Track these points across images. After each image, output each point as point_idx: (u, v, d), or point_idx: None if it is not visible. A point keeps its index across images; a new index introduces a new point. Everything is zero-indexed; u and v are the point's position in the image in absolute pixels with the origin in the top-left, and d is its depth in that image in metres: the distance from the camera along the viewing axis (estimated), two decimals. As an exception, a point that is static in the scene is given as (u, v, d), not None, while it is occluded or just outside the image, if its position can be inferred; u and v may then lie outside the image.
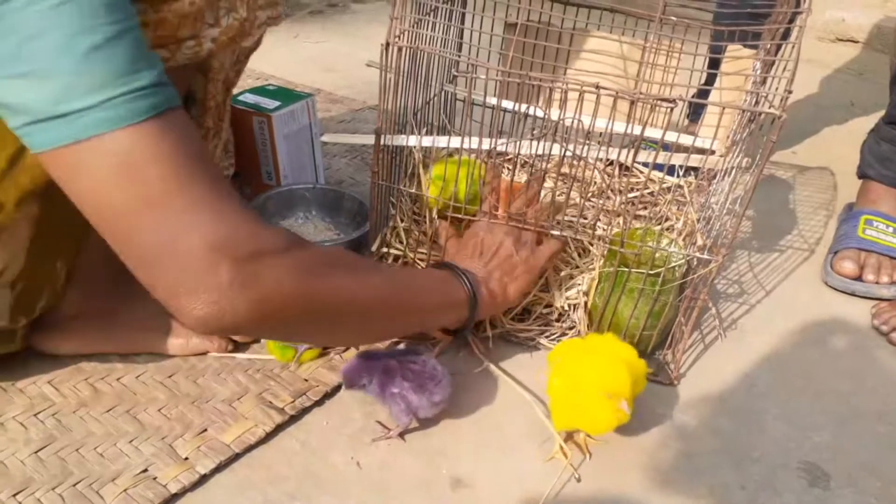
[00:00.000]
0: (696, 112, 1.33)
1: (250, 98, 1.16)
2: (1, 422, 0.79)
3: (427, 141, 1.00)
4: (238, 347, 0.91)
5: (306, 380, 0.87)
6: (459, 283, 0.81)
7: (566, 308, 0.96)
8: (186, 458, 0.76)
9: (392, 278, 0.77)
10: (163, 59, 0.62)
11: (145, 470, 0.74)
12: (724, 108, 0.79)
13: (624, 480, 0.78)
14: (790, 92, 0.75)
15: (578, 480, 0.77)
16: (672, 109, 0.80)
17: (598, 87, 0.76)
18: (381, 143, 0.89)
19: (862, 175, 1.28)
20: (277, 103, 1.15)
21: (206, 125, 0.89)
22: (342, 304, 0.67)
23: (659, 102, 0.77)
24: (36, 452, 0.76)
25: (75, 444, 0.77)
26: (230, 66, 0.87)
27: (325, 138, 1.12)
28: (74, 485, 0.72)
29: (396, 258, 0.99)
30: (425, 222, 0.99)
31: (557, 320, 0.97)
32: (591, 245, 0.99)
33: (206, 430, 0.79)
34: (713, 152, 0.98)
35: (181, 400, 0.83)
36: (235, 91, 1.22)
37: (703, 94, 1.17)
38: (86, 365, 0.87)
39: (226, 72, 0.86)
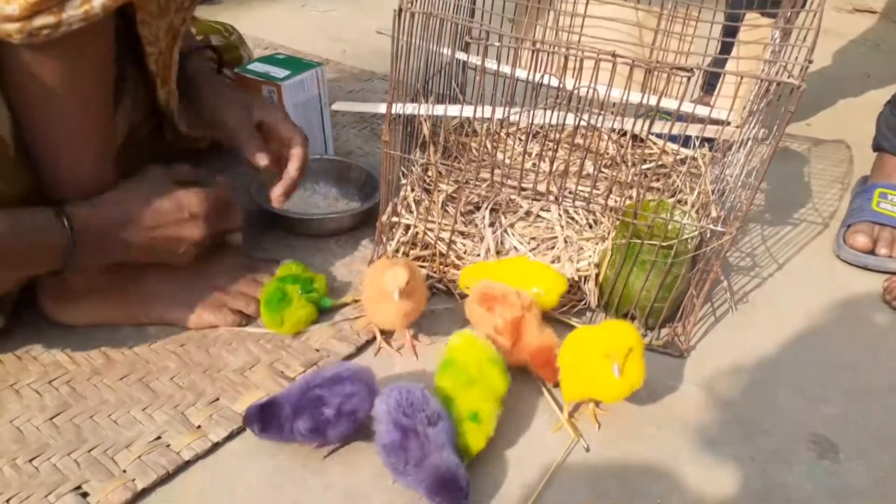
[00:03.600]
0: (710, 84, 1.31)
1: (259, 67, 1.15)
2: (16, 389, 0.80)
3: (439, 110, 0.99)
4: (249, 322, 0.91)
5: (317, 350, 0.87)
6: (57, 225, 0.75)
7: (577, 280, 0.95)
8: (199, 426, 0.76)
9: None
10: (50, 25, 0.63)
11: (158, 437, 0.75)
12: (741, 78, 0.77)
13: (632, 450, 0.78)
14: (811, 62, 0.73)
15: (587, 450, 0.78)
16: (689, 79, 0.79)
17: (614, 55, 0.74)
18: (393, 111, 0.88)
19: (877, 147, 1.26)
20: (287, 72, 1.13)
21: (151, 69, 0.85)
22: None
23: (676, 71, 0.76)
24: (51, 419, 0.76)
25: (89, 412, 0.78)
26: (174, 11, 0.82)
27: (335, 106, 1.10)
28: (89, 451, 0.73)
29: (407, 228, 0.98)
30: (436, 192, 0.98)
31: (567, 292, 0.96)
32: (604, 217, 0.99)
33: (218, 398, 0.80)
34: (729, 123, 0.97)
35: (193, 369, 0.84)
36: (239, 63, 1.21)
37: (719, 63, 1.15)
38: (98, 333, 0.87)
39: (168, 17, 0.82)
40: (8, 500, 0.68)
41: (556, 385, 0.82)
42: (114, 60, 0.77)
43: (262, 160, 0.90)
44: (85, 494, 0.69)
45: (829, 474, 0.77)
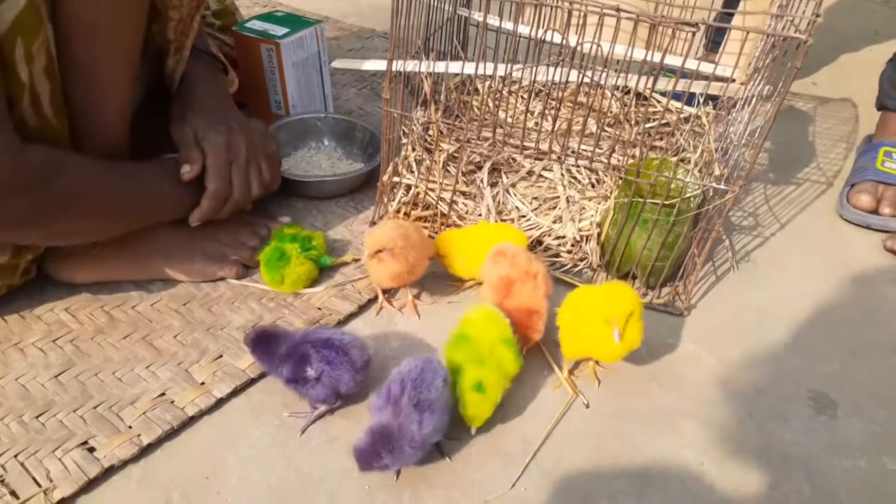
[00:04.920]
0: (715, 42, 1.29)
1: (258, 25, 1.13)
2: (20, 347, 0.80)
3: (440, 67, 0.98)
4: (248, 272, 0.92)
5: (319, 308, 0.88)
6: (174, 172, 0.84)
7: (578, 239, 0.95)
8: (203, 383, 0.77)
9: (116, 177, 0.80)
10: None
11: (163, 394, 0.76)
12: (747, 33, 0.76)
13: (632, 407, 0.79)
14: (818, 16, 0.72)
15: (587, 406, 0.79)
16: (694, 34, 0.77)
17: (618, 10, 0.73)
18: (393, 69, 0.87)
19: (881, 106, 1.24)
20: (286, 30, 1.12)
21: (168, 37, 0.86)
22: (74, 216, 0.76)
23: (680, 26, 0.75)
24: (56, 377, 0.77)
25: (94, 369, 0.78)
26: None
27: (335, 64, 1.09)
28: (95, 407, 0.74)
29: (408, 188, 0.98)
30: (437, 151, 0.97)
31: (569, 252, 0.96)
32: (606, 176, 0.98)
33: (221, 356, 0.81)
34: (733, 80, 0.96)
35: (196, 327, 0.84)
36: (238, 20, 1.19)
37: (723, 18, 1.13)
38: (101, 292, 0.88)
39: None
40: (16, 455, 0.69)
41: (525, 347, 0.81)
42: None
43: (185, 172, 0.85)
44: (92, 449, 0.70)
45: (826, 430, 0.78)
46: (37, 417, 0.73)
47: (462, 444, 0.73)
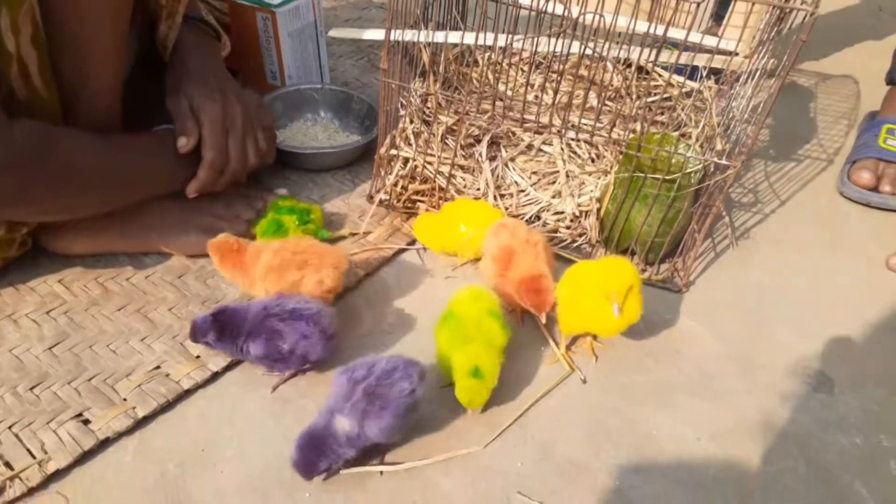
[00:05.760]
0: (720, 14, 1.27)
1: (253, -8, 1.11)
2: (14, 319, 0.80)
3: (439, 37, 0.96)
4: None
5: (316, 282, 0.87)
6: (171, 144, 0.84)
7: (577, 214, 0.95)
8: (198, 357, 0.77)
9: (111, 151, 0.79)
10: None
11: (158, 367, 0.75)
12: (752, 5, 0.75)
13: (629, 382, 0.79)
14: (825, -13, 0.71)
15: (584, 381, 0.78)
16: (698, 5, 0.76)
17: (621, -21, 0.71)
18: (391, 39, 0.85)
19: (890, 81, 1.23)
20: (281, -2, 1.09)
21: (160, 2, 0.84)
22: (68, 192, 0.75)
23: (685, -3, 0.73)
24: (50, 348, 0.77)
25: (88, 341, 0.78)
26: None
27: (332, 33, 1.07)
28: (89, 379, 0.73)
29: (406, 161, 0.96)
30: (436, 123, 0.96)
31: (567, 227, 0.95)
32: (606, 150, 0.97)
33: (217, 329, 0.80)
34: (737, 54, 0.95)
35: (191, 300, 0.83)
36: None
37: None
38: (95, 264, 0.87)
39: None
40: (11, 427, 0.68)
41: (543, 312, 0.79)
42: None
43: (182, 145, 0.84)
44: (87, 421, 0.69)
45: (823, 407, 0.78)
46: (31, 389, 0.72)
47: (455, 416, 0.73)
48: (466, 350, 0.71)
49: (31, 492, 0.64)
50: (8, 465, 0.65)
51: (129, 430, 0.69)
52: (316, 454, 0.64)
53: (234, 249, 0.79)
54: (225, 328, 0.72)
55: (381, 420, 0.64)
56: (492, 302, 0.75)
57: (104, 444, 0.68)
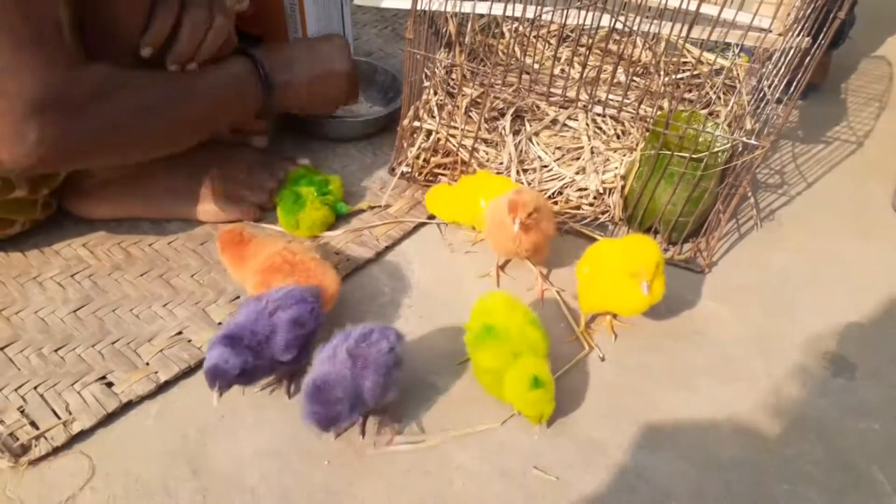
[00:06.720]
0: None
1: (278, -42, 1.10)
2: (39, 281, 0.81)
3: (467, 6, 0.94)
4: (264, 216, 0.91)
5: (337, 253, 0.87)
6: (252, 69, 0.85)
7: (601, 192, 0.94)
8: (220, 323, 0.77)
9: (179, 81, 0.79)
10: None
11: (180, 332, 0.76)
12: (790, -19, 0.73)
13: (648, 362, 0.79)
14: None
15: (602, 359, 0.78)
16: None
17: (656, -49, 0.70)
18: (418, 7, 0.84)
19: None
20: (307, -36, 1.08)
21: None
22: (137, 129, 0.74)
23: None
24: (74, 311, 0.77)
25: (111, 305, 0.78)
26: None
27: (357, 1, 1.06)
28: (112, 343, 0.74)
29: (429, 134, 0.96)
30: (460, 96, 0.95)
31: (590, 205, 0.95)
32: (633, 127, 0.96)
33: (238, 297, 0.80)
34: (770, 31, 0.92)
35: (213, 267, 0.84)
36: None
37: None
38: (118, 229, 0.87)
39: None
40: (36, 387, 0.69)
41: (514, 215, 0.77)
42: None
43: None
44: (110, 384, 0.70)
45: (843, 392, 0.78)
46: (56, 351, 0.73)
47: (472, 393, 0.73)
48: (518, 365, 0.68)
49: (55, 451, 0.65)
50: (34, 424, 0.66)
51: (152, 394, 0.70)
52: (326, 399, 0.61)
53: (238, 241, 0.78)
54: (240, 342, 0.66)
55: (366, 380, 0.63)
56: (526, 309, 0.73)
57: (127, 406, 0.69)
